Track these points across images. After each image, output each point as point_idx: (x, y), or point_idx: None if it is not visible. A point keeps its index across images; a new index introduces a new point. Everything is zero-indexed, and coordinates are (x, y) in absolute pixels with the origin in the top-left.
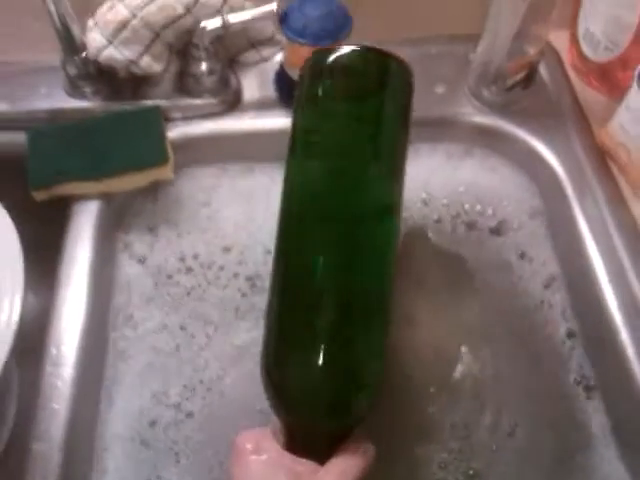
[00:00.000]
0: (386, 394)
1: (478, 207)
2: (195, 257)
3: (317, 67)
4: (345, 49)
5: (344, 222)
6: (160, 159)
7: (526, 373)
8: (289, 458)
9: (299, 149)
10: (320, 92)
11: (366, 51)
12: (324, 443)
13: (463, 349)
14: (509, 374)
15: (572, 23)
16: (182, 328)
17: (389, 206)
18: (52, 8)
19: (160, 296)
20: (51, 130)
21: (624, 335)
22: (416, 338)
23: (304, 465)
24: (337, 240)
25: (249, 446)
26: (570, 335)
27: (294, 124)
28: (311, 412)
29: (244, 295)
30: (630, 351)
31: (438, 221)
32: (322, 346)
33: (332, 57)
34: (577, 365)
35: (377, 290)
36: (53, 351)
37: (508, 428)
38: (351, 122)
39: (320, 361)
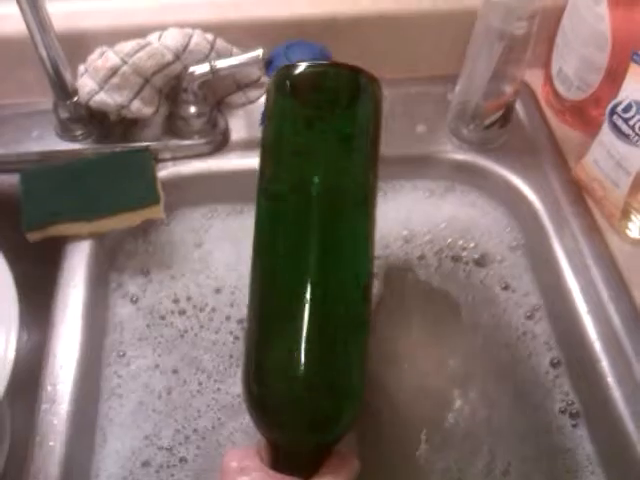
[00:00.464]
0: (374, 431)
1: (460, 242)
2: (188, 299)
3: (282, 82)
4: (312, 64)
5: (317, 239)
6: (151, 199)
7: (513, 404)
8: (274, 477)
9: (268, 163)
10: (287, 106)
11: (334, 66)
12: (308, 459)
13: (450, 384)
14: (496, 406)
15: (546, 62)
16: (174, 372)
17: (364, 220)
18: (44, 54)
19: (153, 337)
20: (43, 172)
21: (604, 363)
22: (403, 374)
23: None
24: (313, 257)
25: (234, 465)
26: (554, 364)
27: (262, 140)
28: (293, 429)
29: (236, 339)
30: (610, 379)
31: (421, 257)
32: (302, 362)
33: (298, 72)
34: (562, 393)
35: (356, 306)
36: (48, 388)
37: (501, 466)
38: (318, 137)
39: (301, 377)
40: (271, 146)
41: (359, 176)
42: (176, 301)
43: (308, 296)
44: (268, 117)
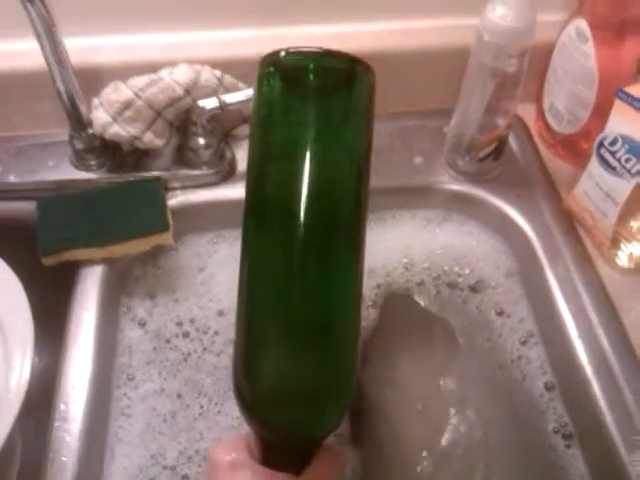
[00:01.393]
0: (375, 451)
1: (457, 268)
2: (192, 322)
3: (269, 70)
4: (303, 51)
5: (307, 232)
6: (161, 226)
7: (508, 424)
8: (263, 472)
9: (256, 150)
10: (277, 92)
11: (326, 54)
12: (297, 454)
13: (448, 405)
14: (492, 428)
15: (538, 98)
16: (179, 396)
17: (356, 213)
18: (61, 87)
19: (159, 360)
20: (59, 200)
21: (595, 387)
22: (402, 398)
23: (280, 478)
24: (300, 251)
25: (224, 459)
26: (548, 388)
27: (250, 130)
28: (282, 425)
29: None
30: (601, 402)
31: (421, 284)
32: (293, 358)
33: (288, 60)
34: (556, 415)
35: (347, 303)
36: (61, 407)
37: None
38: (309, 125)
39: (288, 375)
40: (260, 133)
41: (351, 181)
42: (180, 324)
43: (299, 298)
44: (257, 105)
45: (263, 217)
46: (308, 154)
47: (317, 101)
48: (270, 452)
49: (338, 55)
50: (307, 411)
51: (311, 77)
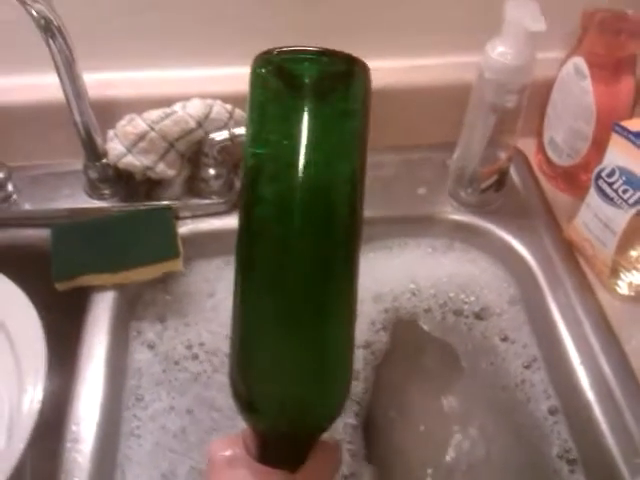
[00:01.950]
0: (382, 469)
1: (462, 296)
2: (201, 345)
3: (263, 70)
4: (298, 50)
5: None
6: (172, 253)
7: (513, 449)
8: (260, 469)
9: (250, 158)
10: (272, 91)
11: (323, 53)
12: (294, 450)
13: (453, 429)
14: (497, 451)
15: (539, 131)
16: (189, 412)
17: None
18: (78, 119)
19: (168, 381)
20: (73, 227)
21: (597, 411)
22: (407, 420)
23: (276, 475)
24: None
25: (222, 456)
26: (552, 412)
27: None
28: (279, 423)
29: None
30: (604, 427)
31: (428, 310)
32: (289, 357)
33: (283, 60)
34: (560, 439)
35: (343, 296)
36: (73, 428)
37: None
38: (305, 127)
39: (287, 371)
40: (254, 136)
41: (347, 185)
42: (189, 347)
43: (295, 292)
44: (251, 107)
45: (255, 233)
46: (303, 160)
47: (314, 102)
48: (267, 449)
49: (334, 54)
50: (303, 409)
51: (307, 77)
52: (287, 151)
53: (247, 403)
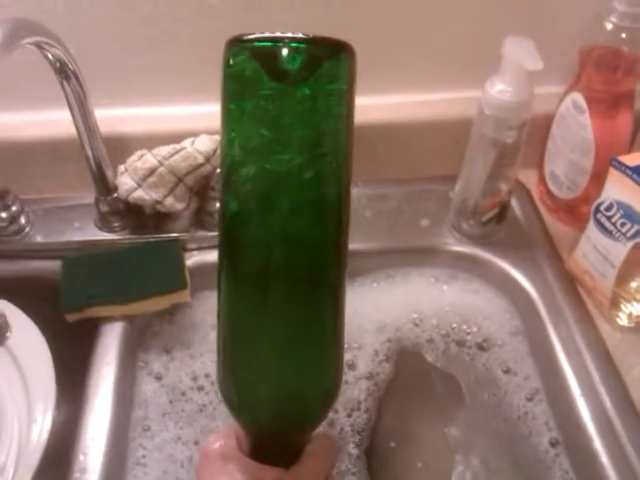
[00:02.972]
0: None
1: (464, 326)
2: (207, 376)
3: (241, 57)
4: (278, 37)
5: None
6: (179, 285)
7: (514, 475)
8: (252, 466)
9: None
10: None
11: (305, 39)
12: (286, 448)
13: (455, 460)
14: (498, 476)
15: (540, 164)
16: (196, 442)
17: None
18: (90, 154)
19: (175, 412)
20: (83, 259)
21: (597, 443)
22: (411, 450)
23: (268, 472)
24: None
25: (214, 450)
26: (553, 444)
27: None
28: (267, 425)
29: None
30: (604, 459)
31: (430, 341)
32: (276, 361)
33: (262, 47)
34: (562, 471)
35: (331, 292)
36: (80, 458)
37: None
38: (288, 122)
39: (275, 376)
40: (229, 136)
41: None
42: (195, 378)
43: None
44: (227, 99)
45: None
46: (286, 151)
47: (297, 89)
48: (258, 448)
49: (319, 40)
50: (292, 413)
51: (291, 63)
52: (268, 142)
53: (236, 406)
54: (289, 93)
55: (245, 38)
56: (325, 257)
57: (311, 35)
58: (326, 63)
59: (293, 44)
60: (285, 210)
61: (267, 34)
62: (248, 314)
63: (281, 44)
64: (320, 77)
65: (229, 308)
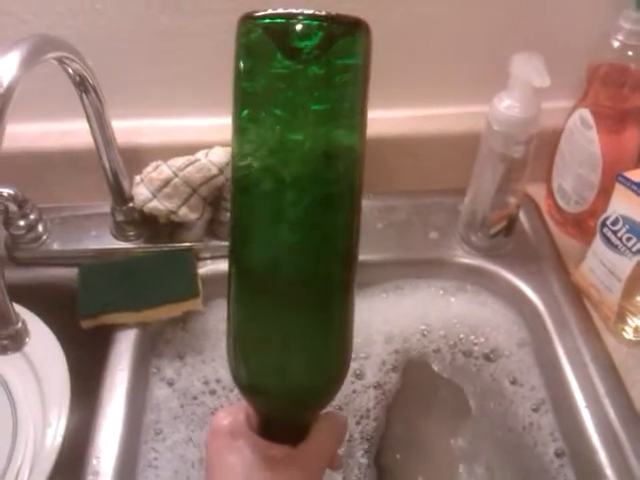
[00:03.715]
0: None
1: (472, 337)
2: (218, 381)
3: (255, 34)
4: (293, 13)
5: (301, 185)
6: (192, 293)
7: None
8: (261, 443)
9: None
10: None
11: (323, 16)
12: (295, 426)
13: (460, 468)
14: None
15: (548, 178)
16: (206, 443)
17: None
18: (107, 165)
19: (186, 415)
20: (99, 267)
21: (602, 455)
22: (417, 459)
23: (277, 449)
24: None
25: (224, 426)
26: (558, 454)
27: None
28: (277, 405)
29: None
30: (608, 471)
31: (437, 351)
32: (285, 337)
33: (278, 24)
34: None
35: (339, 273)
36: (94, 461)
37: None
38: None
39: (284, 350)
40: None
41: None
42: (206, 383)
43: (292, 269)
44: (242, 78)
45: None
46: (300, 131)
47: (311, 67)
48: (267, 426)
49: (331, 17)
50: (300, 394)
51: (305, 41)
52: (280, 123)
53: (245, 385)
54: (303, 71)
55: (258, 15)
56: (338, 243)
57: (325, 12)
58: (341, 40)
59: (307, 21)
60: (297, 194)
61: (280, 10)
62: (256, 299)
63: (295, 21)
64: (334, 54)
65: (237, 292)
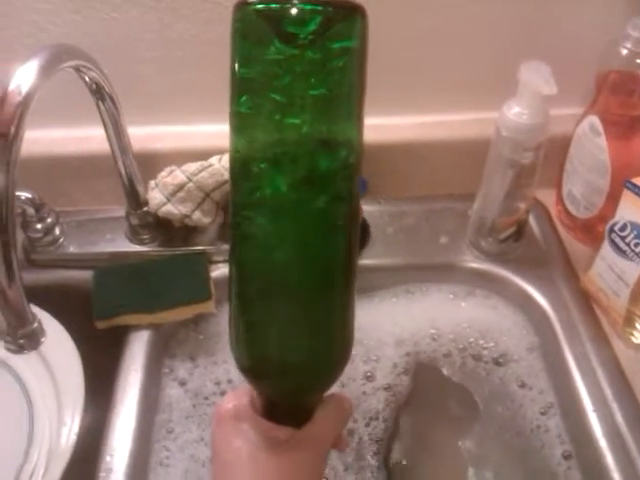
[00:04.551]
0: None
1: (481, 341)
2: (229, 382)
3: (250, 20)
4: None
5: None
6: (204, 296)
7: None
8: (266, 425)
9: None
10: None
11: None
12: (299, 409)
13: (469, 471)
14: None
15: (558, 184)
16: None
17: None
18: (122, 170)
19: (198, 415)
20: (113, 270)
21: (609, 459)
22: (427, 461)
23: (281, 430)
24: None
25: (228, 409)
26: (566, 457)
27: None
28: (280, 388)
29: None
30: (615, 474)
31: (447, 355)
32: (287, 321)
33: (274, 9)
34: None
35: (339, 258)
36: (107, 459)
37: None
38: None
39: (286, 333)
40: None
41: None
42: (218, 384)
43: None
44: (240, 66)
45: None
46: (297, 116)
47: (307, 52)
48: (271, 408)
49: (326, 1)
50: (302, 377)
51: (301, 25)
52: (278, 109)
53: (249, 369)
54: (299, 55)
55: (253, 0)
56: (339, 231)
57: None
58: (337, 25)
59: (302, 5)
60: (298, 179)
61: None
62: (255, 285)
63: (289, 5)
64: (330, 38)
65: (237, 278)
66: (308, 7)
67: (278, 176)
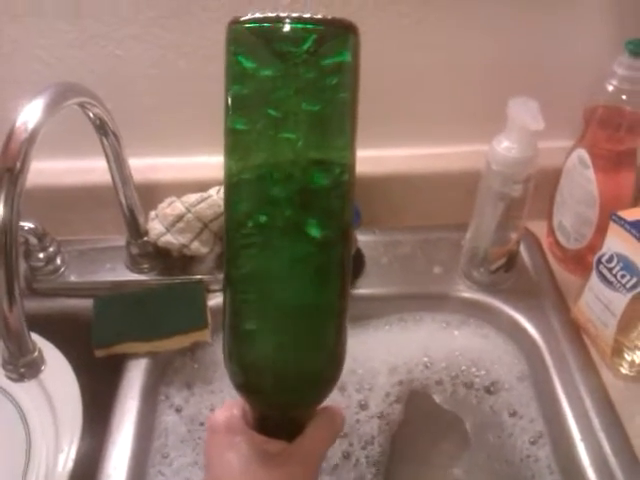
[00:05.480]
0: None
1: (473, 369)
2: None
3: (248, 40)
4: (282, 17)
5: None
6: (200, 324)
7: None
8: (258, 438)
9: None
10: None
11: (314, 19)
12: (291, 423)
13: None
14: None
15: (549, 216)
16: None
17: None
18: (123, 201)
19: (192, 439)
20: (113, 298)
21: None
22: None
23: (273, 444)
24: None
25: (220, 422)
26: None
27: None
28: (272, 403)
29: None
30: None
31: (439, 383)
32: (278, 340)
33: (270, 29)
34: None
35: (334, 278)
36: None
37: None
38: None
39: (278, 350)
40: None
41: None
42: (214, 410)
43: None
44: (234, 86)
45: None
46: (290, 135)
47: (302, 68)
48: (263, 422)
49: (319, 20)
50: (294, 392)
51: (294, 43)
52: (272, 125)
53: (240, 383)
54: (293, 73)
55: (246, 19)
56: (333, 248)
57: (312, 15)
58: (330, 42)
59: (295, 24)
60: (292, 195)
61: (269, 14)
62: (248, 301)
63: (282, 24)
64: (324, 55)
65: (230, 293)
66: (300, 26)
67: (271, 192)
